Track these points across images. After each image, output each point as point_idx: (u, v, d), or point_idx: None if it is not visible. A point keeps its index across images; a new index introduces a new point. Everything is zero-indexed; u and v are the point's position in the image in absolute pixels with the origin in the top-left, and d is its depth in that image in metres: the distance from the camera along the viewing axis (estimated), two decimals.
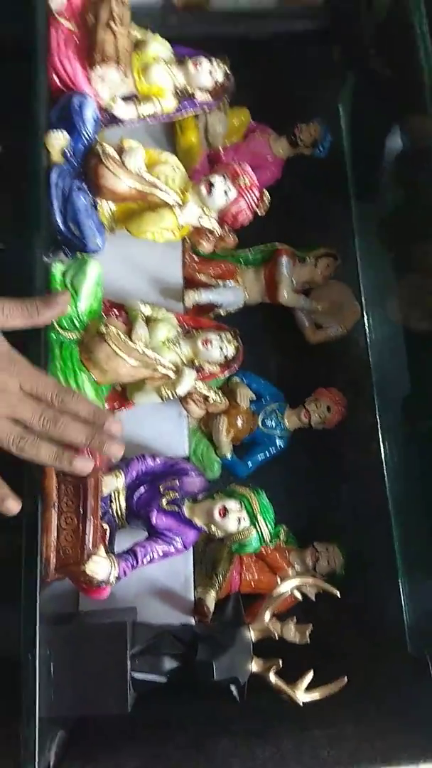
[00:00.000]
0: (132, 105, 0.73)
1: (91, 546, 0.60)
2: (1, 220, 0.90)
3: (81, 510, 0.60)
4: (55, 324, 0.64)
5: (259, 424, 0.84)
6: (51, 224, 0.66)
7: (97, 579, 0.61)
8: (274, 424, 0.85)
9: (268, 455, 0.86)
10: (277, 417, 0.85)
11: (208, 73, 0.74)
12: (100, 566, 0.60)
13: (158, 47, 0.73)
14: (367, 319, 0.93)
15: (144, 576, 0.71)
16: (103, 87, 0.69)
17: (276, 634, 0.66)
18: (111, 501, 0.67)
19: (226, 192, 0.71)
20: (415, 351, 0.84)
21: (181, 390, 0.70)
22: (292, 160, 0.93)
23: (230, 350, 0.74)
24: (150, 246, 0.79)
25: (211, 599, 0.74)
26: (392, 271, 0.90)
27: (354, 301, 0.90)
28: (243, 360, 0.75)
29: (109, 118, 0.72)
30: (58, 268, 0.67)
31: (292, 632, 0.69)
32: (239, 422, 0.81)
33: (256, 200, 0.73)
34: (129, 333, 0.67)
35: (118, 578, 0.63)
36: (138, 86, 0.73)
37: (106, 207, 0.72)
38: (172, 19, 0.85)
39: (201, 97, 0.76)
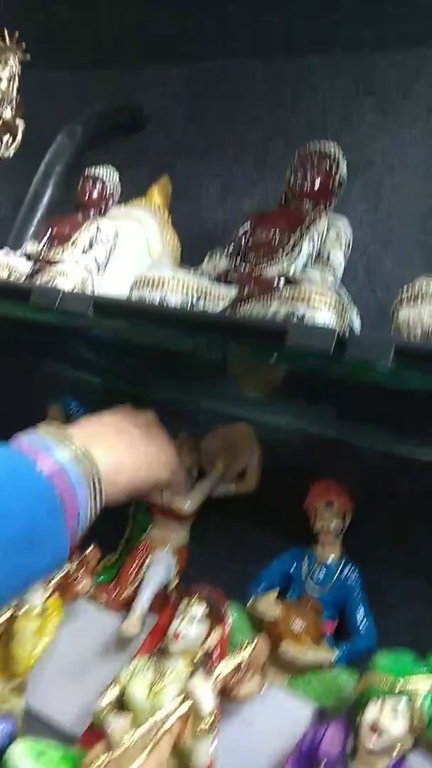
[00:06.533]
0: None
1: None
2: None
3: None
4: None
5: (314, 594, 0.68)
6: None
7: None
8: (322, 575, 0.69)
9: (361, 601, 0.67)
10: (315, 566, 0.69)
11: None
12: None
13: None
14: None
15: None
16: None
17: None
18: None
19: None
20: None
21: (208, 706, 0.56)
22: None
23: (200, 611, 0.62)
24: None
25: None
26: None
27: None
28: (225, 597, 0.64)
29: None
30: None
31: None
32: (296, 624, 0.64)
33: None
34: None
35: None
36: None
37: None
38: None
39: None
